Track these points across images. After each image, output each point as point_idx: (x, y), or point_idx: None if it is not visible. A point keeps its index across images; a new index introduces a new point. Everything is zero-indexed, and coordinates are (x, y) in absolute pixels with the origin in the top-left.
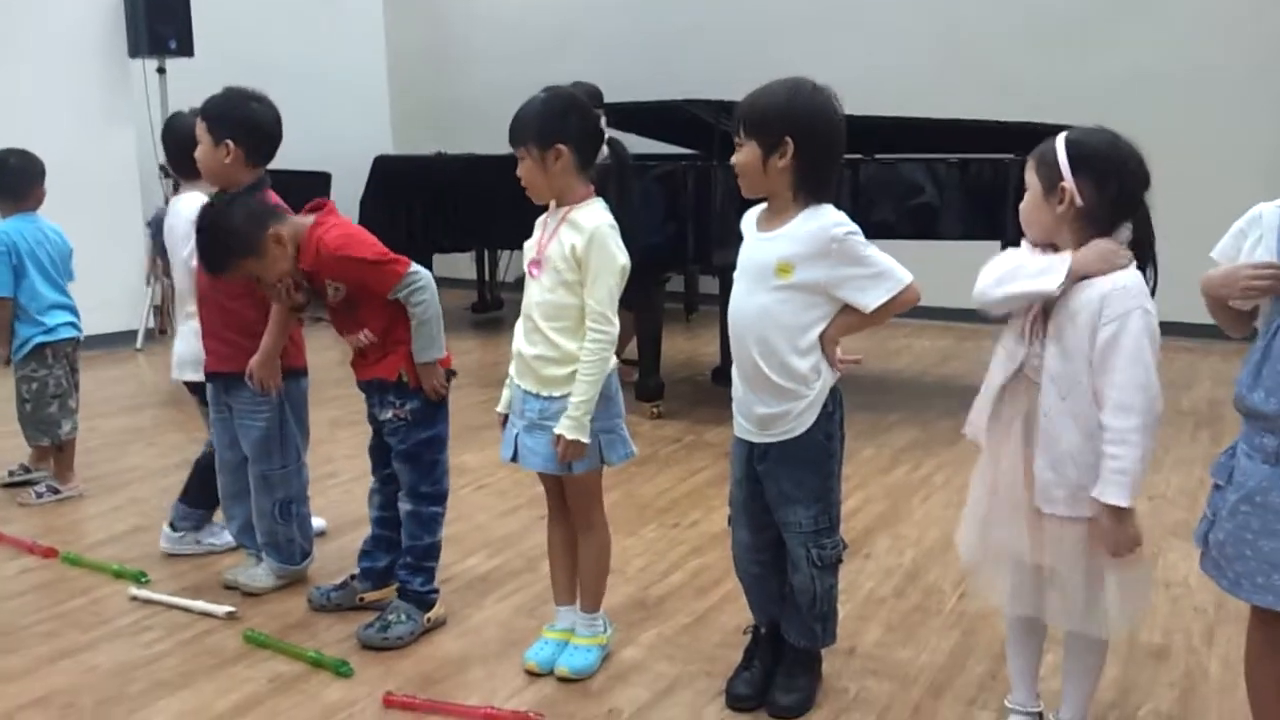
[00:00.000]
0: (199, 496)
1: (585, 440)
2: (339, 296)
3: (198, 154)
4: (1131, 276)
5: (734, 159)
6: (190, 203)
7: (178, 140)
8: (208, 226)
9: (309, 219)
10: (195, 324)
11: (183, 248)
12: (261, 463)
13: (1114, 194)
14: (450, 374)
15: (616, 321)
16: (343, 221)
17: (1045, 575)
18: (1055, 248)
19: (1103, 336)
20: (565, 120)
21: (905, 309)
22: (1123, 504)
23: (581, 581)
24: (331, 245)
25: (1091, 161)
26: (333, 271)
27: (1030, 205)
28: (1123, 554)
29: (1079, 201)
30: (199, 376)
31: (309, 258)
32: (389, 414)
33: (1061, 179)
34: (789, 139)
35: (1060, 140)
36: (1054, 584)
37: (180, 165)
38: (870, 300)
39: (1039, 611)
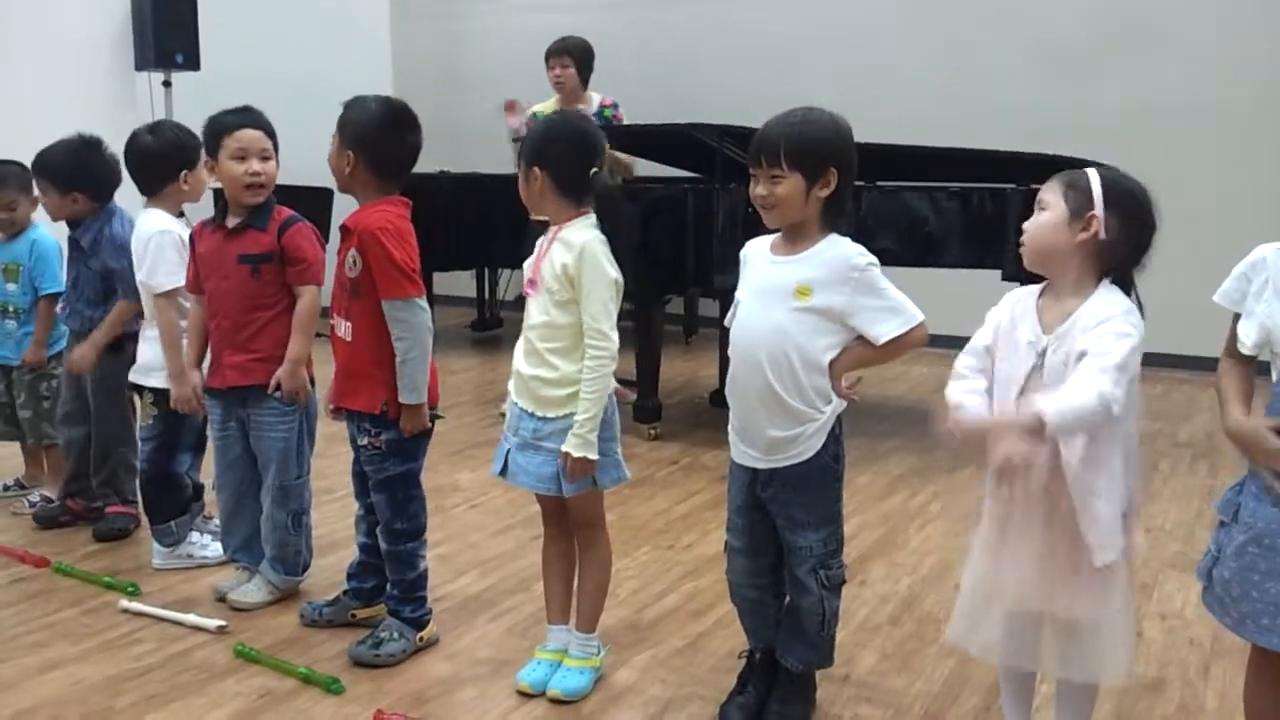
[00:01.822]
0: (160, 512)
1: (593, 457)
2: (353, 273)
3: (274, 168)
4: (1116, 300)
5: (767, 189)
6: (147, 221)
7: (139, 157)
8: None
9: (392, 198)
10: (152, 331)
11: (140, 268)
12: (282, 474)
13: (1135, 237)
14: (435, 416)
15: (615, 336)
16: (407, 224)
17: (1047, 625)
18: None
19: (1084, 343)
20: (549, 145)
21: (914, 347)
22: (1045, 419)
23: (580, 601)
24: (378, 222)
25: (1123, 201)
26: (360, 243)
27: (1047, 227)
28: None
29: (1103, 235)
30: (149, 381)
31: (356, 219)
32: (364, 441)
33: (1092, 208)
34: (834, 170)
35: (1094, 172)
36: (1065, 633)
37: (142, 182)
38: (882, 332)
39: (1035, 663)
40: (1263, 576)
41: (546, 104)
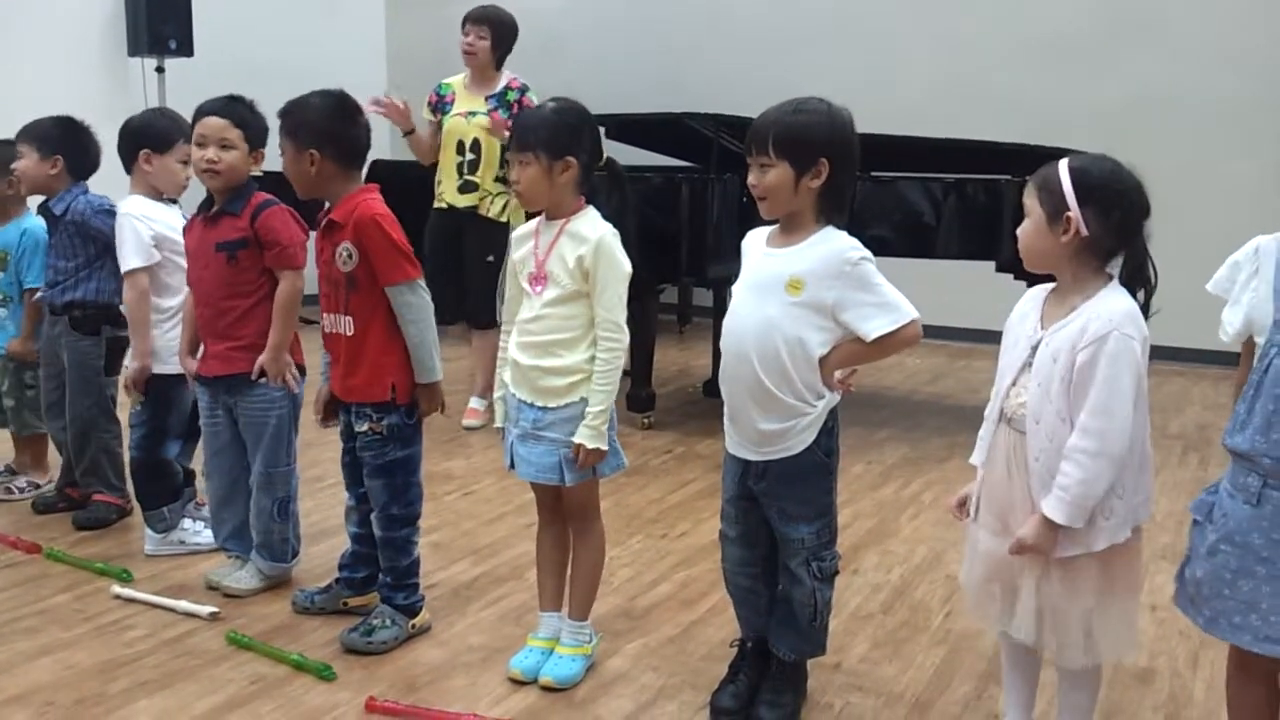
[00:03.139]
0: (152, 498)
1: (605, 448)
2: (349, 266)
3: (234, 157)
4: (1116, 302)
5: (758, 179)
6: (121, 206)
7: (119, 135)
8: (294, 108)
9: (365, 186)
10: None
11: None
12: (268, 461)
13: (1117, 224)
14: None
15: (627, 329)
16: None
17: (1044, 608)
18: (1051, 277)
19: (1079, 360)
20: (579, 134)
21: (907, 346)
22: (1055, 518)
23: (573, 589)
24: (372, 210)
25: (1096, 192)
26: (357, 235)
27: (1032, 233)
28: (1018, 553)
29: (1084, 232)
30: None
31: (344, 212)
32: (364, 426)
33: (1067, 209)
34: (825, 161)
35: (1064, 168)
36: (1050, 618)
37: (122, 161)
38: (872, 329)
39: (1037, 643)
40: (1234, 575)
41: (455, 78)
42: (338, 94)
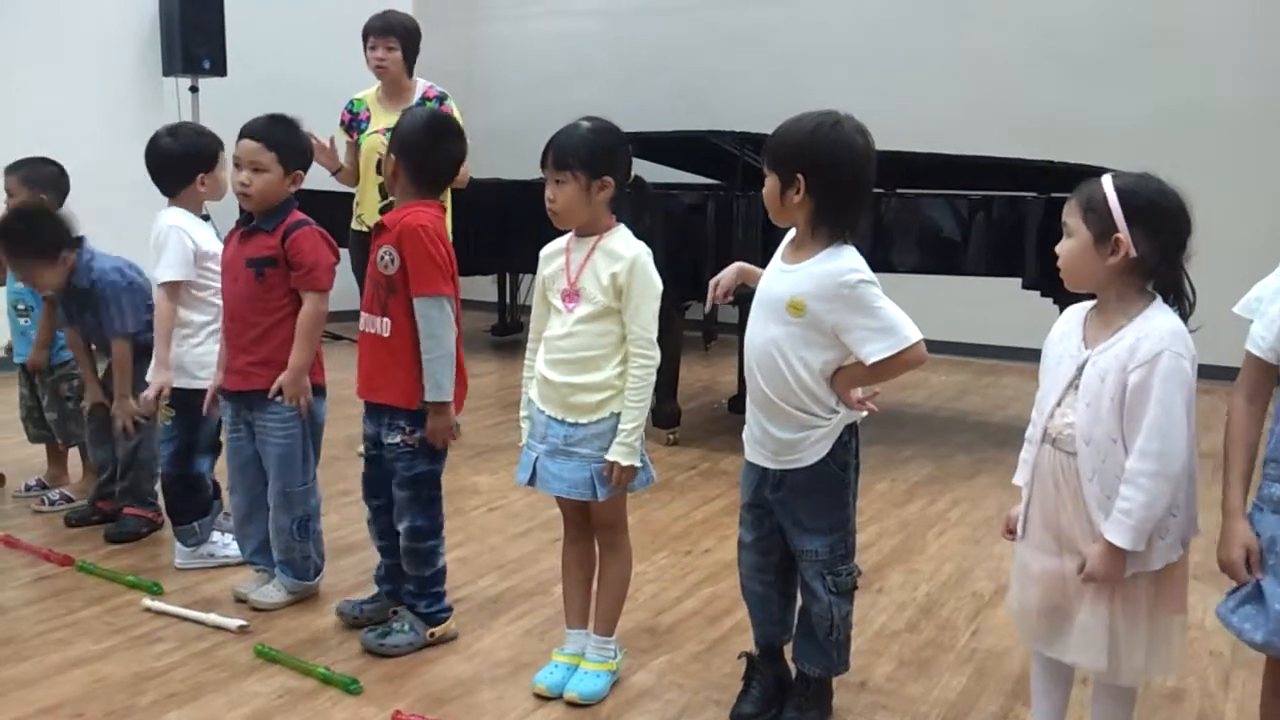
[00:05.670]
0: (183, 513)
1: (638, 465)
2: (390, 270)
3: (266, 180)
4: (1163, 321)
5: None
6: (163, 218)
7: (160, 160)
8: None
9: (429, 202)
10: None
11: (151, 259)
12: (284, 480)
13: (1165, 244)
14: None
15: (659, 347)
16: (444, 227)
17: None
18: (1086, 295)
19: (1132, 382)
20: (616, 154)
21: (909, 368)
22: (1120, 544)
23: (600, 604)
24: (418, 220)
25: (1145, 212)
26: (400, 239)
27: (1077, 253)
28: (1088, 582)
29: (1133, 253)
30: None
31: (394, 217)
32: (397, 438)
33: (1116, 230)
34: (800, 176)
35: (1110, 188)
36: (1112, 639)
37: (163, 184)
38: (870, 353)
39: (1055, 649)
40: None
41: (367, 92)
42: (441, 117)
